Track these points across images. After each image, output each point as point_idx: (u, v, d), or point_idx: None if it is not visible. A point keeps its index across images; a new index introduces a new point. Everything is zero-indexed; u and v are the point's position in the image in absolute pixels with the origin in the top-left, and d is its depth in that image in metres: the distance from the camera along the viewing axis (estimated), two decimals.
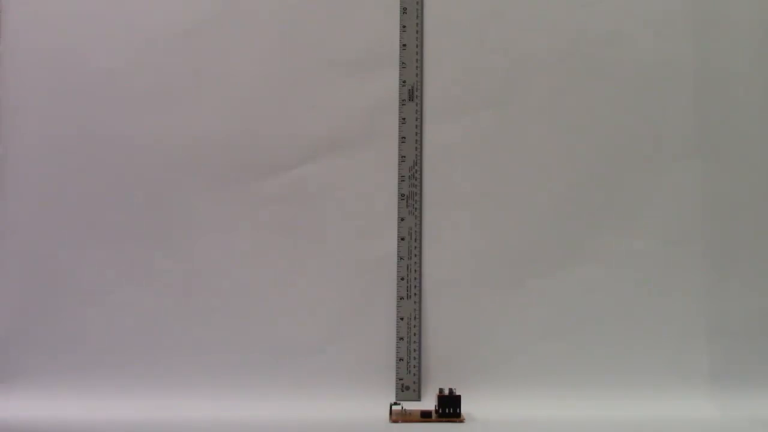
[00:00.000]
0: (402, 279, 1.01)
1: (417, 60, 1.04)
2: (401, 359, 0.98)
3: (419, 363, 1.00)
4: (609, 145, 1.02)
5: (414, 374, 0.99)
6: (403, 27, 1.05)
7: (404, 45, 1.04)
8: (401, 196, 1.02)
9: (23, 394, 0.99)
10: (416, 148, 1.03)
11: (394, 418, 0.90)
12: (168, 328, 1.01)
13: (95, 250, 1.03)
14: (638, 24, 1.03)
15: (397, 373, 0.98)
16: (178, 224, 1.02)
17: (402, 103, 1.04)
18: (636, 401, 0.95)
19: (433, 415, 0.90)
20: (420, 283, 1.01)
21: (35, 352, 1.02)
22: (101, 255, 1.03)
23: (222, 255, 1.01)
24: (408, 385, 0.98)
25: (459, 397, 0.90)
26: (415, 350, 1.00)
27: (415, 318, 1.00)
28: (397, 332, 1.00)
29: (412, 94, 1.04)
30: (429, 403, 0.96)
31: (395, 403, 0.92)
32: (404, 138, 1.03)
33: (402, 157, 1.03)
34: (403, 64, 1.04)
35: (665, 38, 1.03)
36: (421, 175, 1.03)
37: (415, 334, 1.00)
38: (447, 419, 0.89)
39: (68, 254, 1.03)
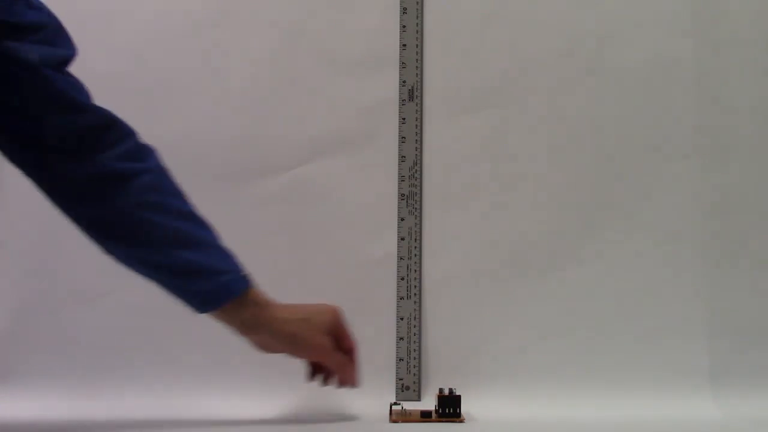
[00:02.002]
0: (402, 279, 1.01)
1: (417, 60, 1.04)
2: (401, 359, 0.98)
3: (419, 363, 0.99)
4: (609, 145, 1.02)
5: (414, 374, 0.99)
6: (403, 27, 1.05)
7: (404, 45, 1.04)
8: (401, 196, 1.02)
9: (23, 394, 0.99)
10: (416, 148, 1.03)
11: (394, 418, 0.90)
12: (168, 329, 1.01)
13: (95, 250, 1.03)
14: (638, 24, 1.03)
15: (397, 373, 0.98)
16: None
17: (402, 103, 1.04)
18: (636, 401, 0.95)
19: (433, 415, 0.90)
20: (420, 283, 1.01)
21: (35, 352, 1.02)
22: (101, 255, 1.03)
23: None
24: (408, 385, 0.98)
25: (459, 397, 0.90)
26: (415, 350, 0.99)
27: (415, 318, 1.00)
28: (397, 332, 1.00)
29: (412, 94, 1.04)
30: (429, 403, 0.96)
31: (395, 403, 0.92)
32: (404, 138, 1.03)
33: (402, 157, 1.03)
34: (403, 64, 1.04)
35: (665, 38, 1.03)
36: (421, 175, 1.03)
37: (415, 334, 1.00)
38: (447, 419, 0.89)
39: (68, 254, 1.03)
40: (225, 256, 0.82)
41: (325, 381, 0.90)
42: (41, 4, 0.79)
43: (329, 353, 0.86)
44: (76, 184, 0.79)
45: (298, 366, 1.00)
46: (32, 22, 0.77)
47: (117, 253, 0.82)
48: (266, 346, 0.86)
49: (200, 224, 0.82)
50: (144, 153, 0.81)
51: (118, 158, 0.79)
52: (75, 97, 0.79)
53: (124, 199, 0.79)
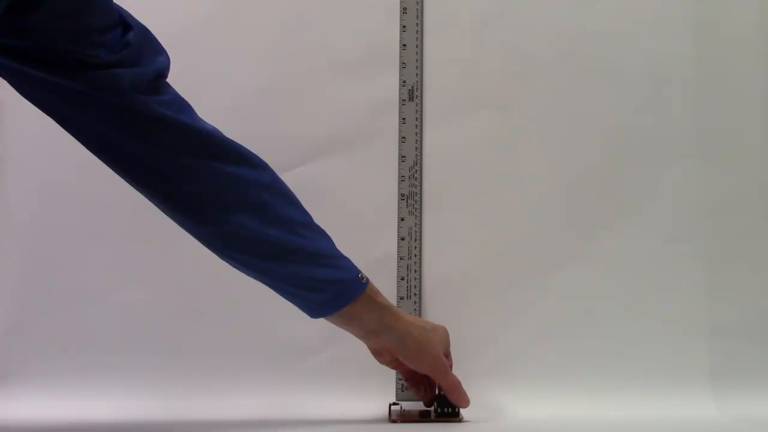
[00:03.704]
0: (402, 279, 1.01)
1: (417, 60, 1.04)
2: None
3: None
4: (609, 145, 1.02)
5: None
6: (403, 27, 1.05)
7: (404, 45, 1.04)
8: (401, 196, 1.02)
9: (23, 394, 0.99)
10: (416, 148, 1.03)
11: (393, 418, 0.90)
12: (168, 328, 1.01)
13: (95, 250, 1.03)
14: (638, 24, 1.03)
15: (397, 374, 0.98)
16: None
17: (402, 103, 1.04)
18: (636, 401, 0.95)
19: (432, 414, 0.90)
20: (420, 283, 1.01)
21: (35, 352, 1.02)
22: (101, 255, 1.03)
23: None
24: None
25: None
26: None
27: None
28: None
29: (412, 94, 1.04)
30: None
31: (394, 403, 0.92)
32: (404, 138, 1.03)
33: (402, 157, 1.03)
34: (403, 64, 1.04)
35: (665, 38, 1.03)
36: (421, 175, 1.03)
37: None
38: (446, 419, 0.89)
39: (68, 254, 1.03)
40: (340, 263, 0.81)
41: (422, 396, 0.91)
42: (126, 17, 0.76)
43: (448, 371, 0.86)
44: (189, 201, 0.78)
45: (298, 366, 1.00)
46: (116, 44, 0.74)
47: (232, 262, 0.81)
48: (384, 352, 0.86)
49: (314, 233, 0.81)
50: (254, 163, 0.80)
51: (228, 170, 0.78)
52: (173, 117, 0.76)
53: (237, 212, 0.78)
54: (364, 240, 1.01)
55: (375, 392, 0.97)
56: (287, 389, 0.99)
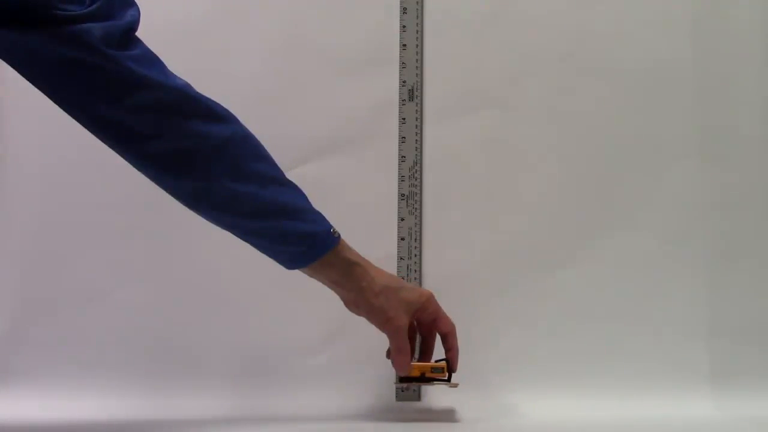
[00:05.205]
0: (402, 279, 1.00)
1: (417, 60, 1.04)
2: None
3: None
4: (609, 145, 1.02)
5: None
6: (403, 27, 1.05)
7: (404, 45, 1.04)
8: (401, 196, 1.02)
9: (23, 394, 0.99)
10: (416, 148, 1.03)
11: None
12: (168, 328, 1.01)
13: (95, 249, 1.03)
14: (638, 24, 1.03)
15: (396, 374, 0.98)
16: (178, 224, 1.02)
17: (402, 103, 1.04)
18: (636, 401, 0.95)
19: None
20: (420, 283, 1.01)
21: (35, 352, 1.02)
22: (101, 255, 1.03)
23: (222, 255, 1.01)
24: (408, 385, 0.98)
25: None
26: (415, 350, 0.99)
27: None
28: None
29: (412, 94, 1.04)
30: (428, 403, 0.96)
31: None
32: (404, 138, 1.03)
33: (402, 157, 1.03)
34: (403, 64, 1.04)
35: (665, 38, 1.03)
36: (421, 175, 1.03)
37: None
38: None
39: (68, 254, 1.03)
40: (313, 217, 0.82)
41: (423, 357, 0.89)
42: None
43: (397, 333, 0.85)
44: (162, 159, 0.77)
45: (297, 366, 1.00)
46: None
47: (206, 217, 0.81)
48: (351, 304, 0.86)
49: (286, 188, 0.82)
50: (225, 118, 0.79)
51: (200, 127, 0.77)
52: (144, 74, 0.74)
53: (210, 169, 0.77)
54: (364, 240, 1.00)
55: (374, 392, 0.97)
56: (287, 389, 0.99)
